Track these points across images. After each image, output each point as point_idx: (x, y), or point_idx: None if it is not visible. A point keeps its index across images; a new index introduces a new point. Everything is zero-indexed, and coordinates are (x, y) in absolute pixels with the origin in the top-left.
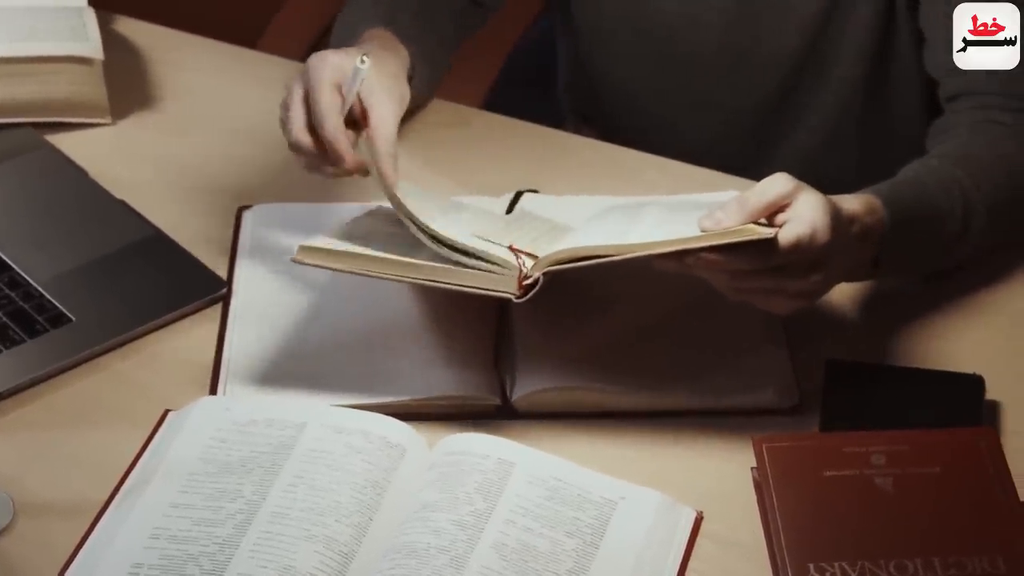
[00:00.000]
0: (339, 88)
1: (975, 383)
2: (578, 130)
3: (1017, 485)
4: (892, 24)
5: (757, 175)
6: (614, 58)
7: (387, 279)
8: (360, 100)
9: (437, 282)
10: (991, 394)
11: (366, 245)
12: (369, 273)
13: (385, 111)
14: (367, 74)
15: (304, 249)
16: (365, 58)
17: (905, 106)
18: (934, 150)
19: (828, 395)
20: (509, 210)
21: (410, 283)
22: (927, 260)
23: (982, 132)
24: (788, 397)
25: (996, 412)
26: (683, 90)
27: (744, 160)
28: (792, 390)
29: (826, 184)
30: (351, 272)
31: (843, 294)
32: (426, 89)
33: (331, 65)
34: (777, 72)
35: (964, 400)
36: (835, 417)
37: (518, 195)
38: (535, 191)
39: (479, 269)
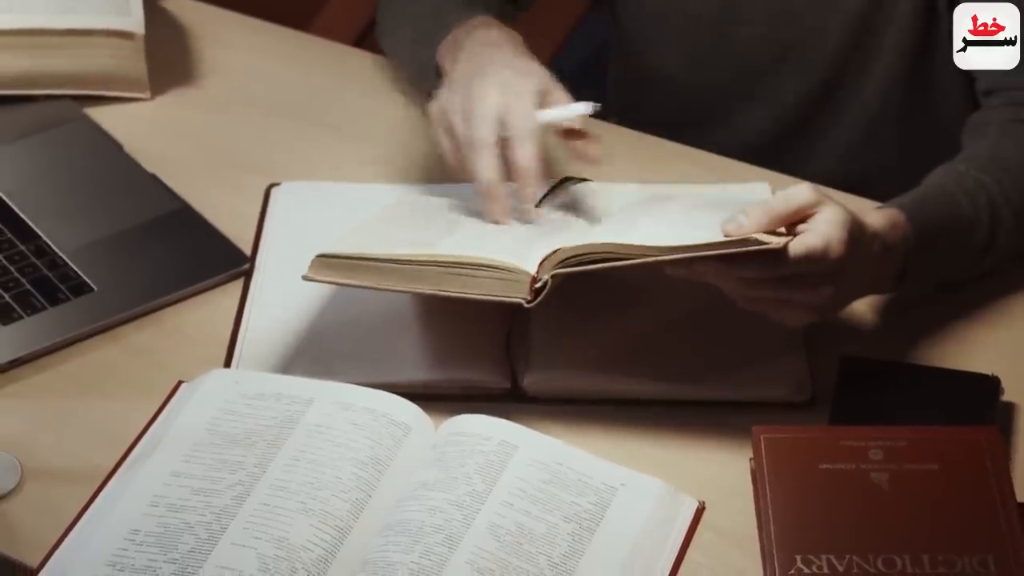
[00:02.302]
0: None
1: (990, 383)
2: (623, 124)
3: None
4: (934, 19)
5: (798, 170)
6: (657, 52)
7: (397, 292)
8: None
9: (448, 292)
10: (1010, 396)
11: (378, 247)
12: (380, 287)
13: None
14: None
15: (315, 265)
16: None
17: (948, 104)
18: (962, 154)
19: (840, 391)
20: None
21: (421, 294)
22: (954, 271)
23: (1012, 134)
24: (801, 392)
25: (1012, 414)
26: (726, 84)
27: (785, 154)
28: (805, 385)
29: (868, 180)
30: (361, 287)
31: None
32: None
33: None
34: (820, 66)
35: (978, 400)
36: (845, 413)
37: (563, 181)
38: (585, 180)
39: (490, 276)
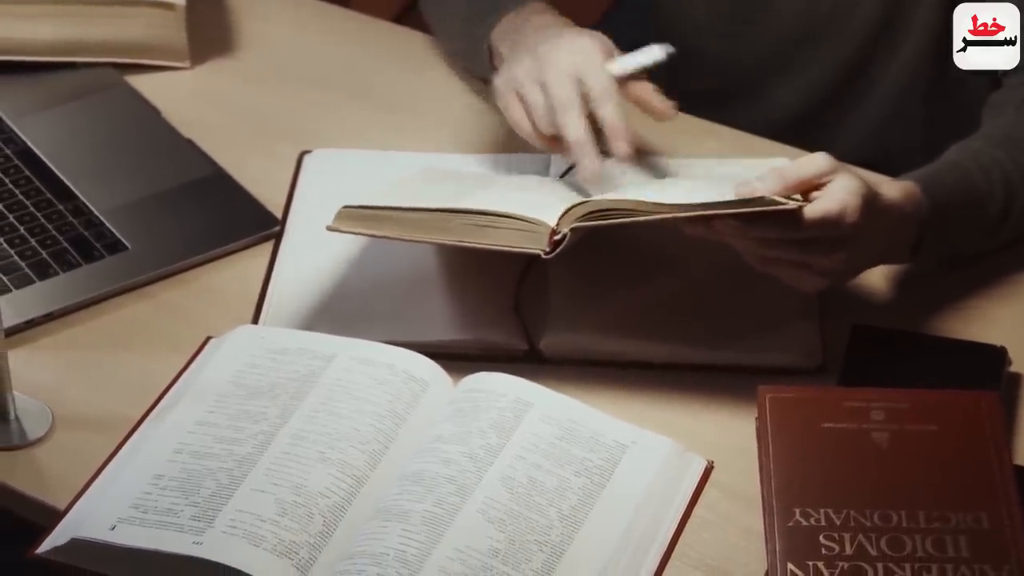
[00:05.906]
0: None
1: (997, 353)
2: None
3: None
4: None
5: (825, 146)
6: (691, 25)
7: (420, 243)
8: None
9: (469, 243)
10: (1017, 367)
11: (401, 201)
12: (402, 237)
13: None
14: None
15: (340, 216)
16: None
17: (973, 85)
18: (978, 131)
19: (850, 358)
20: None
21: (442, 245)
22: (967, 245)
23: None
24: (811, 358)
25: (1018, 384)
26: (758, 59)
27: (814, 130)
28: (817, 352)
29: (891, 158)
30: (384, 237)
31: (879, 267)
32: None
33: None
34: (851, 42)
35: (984, 369)
36: (853, 379)
37: None
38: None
39: (510, 228)
